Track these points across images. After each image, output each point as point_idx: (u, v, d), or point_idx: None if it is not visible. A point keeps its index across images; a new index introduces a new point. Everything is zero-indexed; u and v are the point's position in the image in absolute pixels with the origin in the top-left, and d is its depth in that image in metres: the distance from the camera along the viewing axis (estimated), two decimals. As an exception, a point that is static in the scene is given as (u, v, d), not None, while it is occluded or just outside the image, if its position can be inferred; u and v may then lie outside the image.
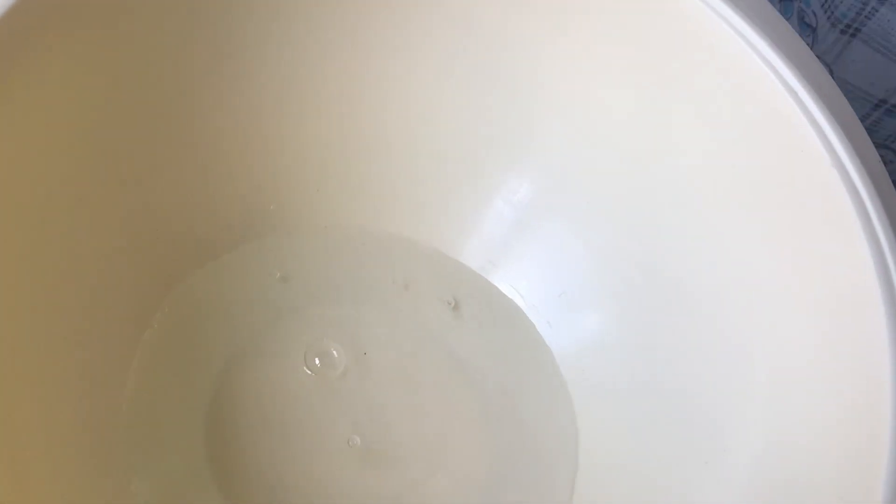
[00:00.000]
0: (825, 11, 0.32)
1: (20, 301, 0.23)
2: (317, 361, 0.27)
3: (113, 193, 0.25)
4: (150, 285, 0.26)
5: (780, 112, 0.22)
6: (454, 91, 0.27)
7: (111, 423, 0.25)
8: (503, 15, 0.26)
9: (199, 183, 0.27)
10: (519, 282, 0.29)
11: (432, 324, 0.29)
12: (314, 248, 0.29)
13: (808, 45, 0.24)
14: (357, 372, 0.27)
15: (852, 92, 0.33)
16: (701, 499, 0.24)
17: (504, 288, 0.29)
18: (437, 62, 0.27)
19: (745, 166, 0.24)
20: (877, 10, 0.31)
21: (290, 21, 0.25)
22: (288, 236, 0.29)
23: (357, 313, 0.28)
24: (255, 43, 0.25)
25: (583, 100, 0.26)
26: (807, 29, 0.34)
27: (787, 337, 0.23)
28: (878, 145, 0.24)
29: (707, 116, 0.24)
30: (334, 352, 0.27)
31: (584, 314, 0.28)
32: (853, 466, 0.20)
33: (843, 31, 0.32)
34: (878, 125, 0.34)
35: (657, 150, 0.25)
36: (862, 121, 0.24)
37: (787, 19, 0.25)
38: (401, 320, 0.29)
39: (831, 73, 0.33)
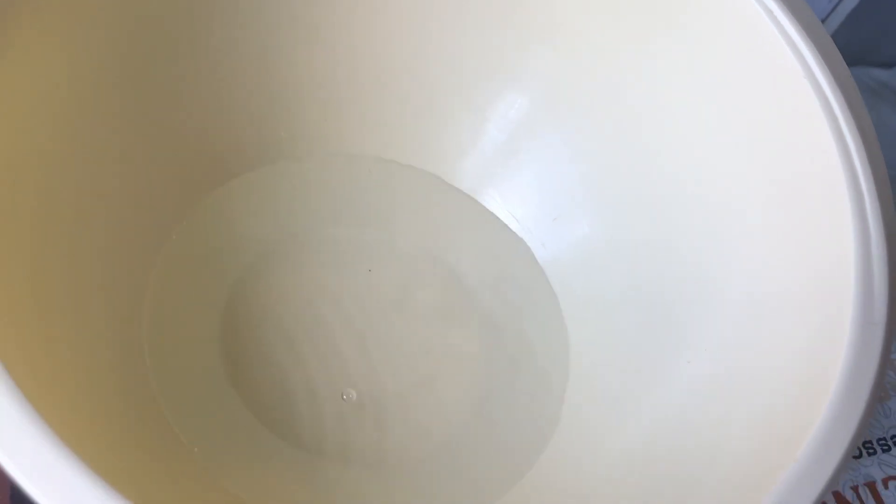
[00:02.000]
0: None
1: (51, 213, 0.25)
2: (323, 276, 0.29)
3: (136, 115, 0.27)
4: (169, 201, 0.28)
5: (756, 28, 0.24)
6: (456, 23, 0.29)
7: (133, 324, 0.26)
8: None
9: (216, 108, 0.29)
10: (515, 208, 0.31)
11: (433, 245, 0.30)
12: (321, 173, 0.31)
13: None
14: (363, 285, 0.29)
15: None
16: (683, 395, 0.25)
17: (501, 214, 0.31)
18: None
19: (723, 82, 0.26)
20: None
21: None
22: (298, 162, 0.30)
23: (361, 234, 0.30)
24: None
25: (573, 30, 0.28)
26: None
27: (762, 244, 0.25)
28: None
29: (688, 39, 0.26)
30: (340, 268, 0.29)
31: (575, 236, 0.30)
32: (810, 356, 0.22)
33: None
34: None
35: (641, 73, 0.27)
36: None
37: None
38: (403, 241, 0.30)
39: None
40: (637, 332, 0.27)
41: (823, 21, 0.71)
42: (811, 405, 0.20)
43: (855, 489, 0.31)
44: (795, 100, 0.24)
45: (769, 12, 0.24)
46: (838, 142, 0.23)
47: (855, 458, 0.31)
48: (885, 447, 0.32)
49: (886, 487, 0.31)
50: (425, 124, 0.31)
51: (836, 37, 0.74)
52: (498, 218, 0.31)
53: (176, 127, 0.28)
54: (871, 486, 0.31)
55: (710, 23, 0.25)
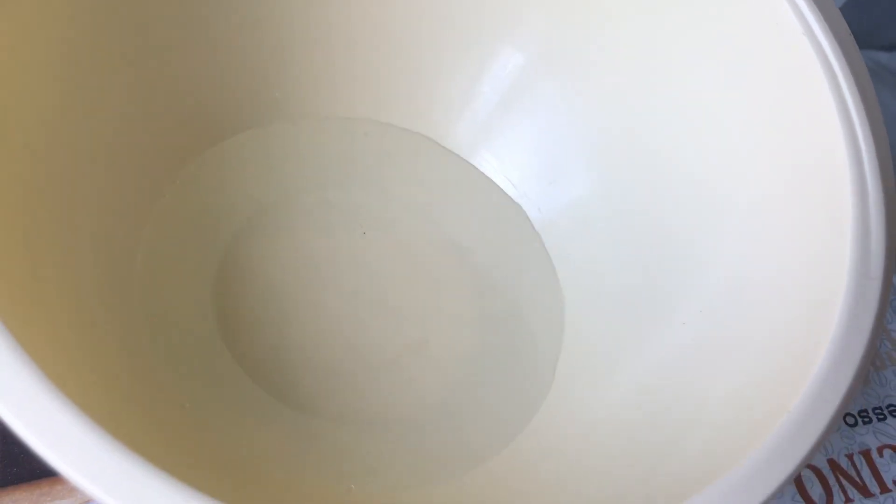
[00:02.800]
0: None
1: (44, 168, 0.25)
2: (318, 237, 0.29)
3: (130, 74, 0.27)
4: (163, 160, 0.28)
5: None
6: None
7: (126, 280, 0.26)
8: None
9: (210, 67, 0.28)
10: (511, 171, 0.31)
11: (428, 208, 0.30)
12: (316, 135, 0.30)
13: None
14: (357, 247, 0.29)
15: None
16: (675, 355, 0.25)
17: (497, 178, 0.31)
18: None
19: (723, 38, 0.25)
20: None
21: None
22: (292, 123, 0.30)
23: (355, 197, 0.30)
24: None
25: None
26: None
27: (760, 203, 0.25)
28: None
29: (693, 6, 0.26)
30: (334, 230, 0.29)
31: (571, 201, 0.30)
32: (805, 319, 0.22)
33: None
34: None
35: (642, 32, 0.27)
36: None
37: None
38: (397, 205, 0.30)
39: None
40: (631, 296, 0.27)
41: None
42: (806, 359, 0.20)
43: (850, 457, 0.30)
44: (794, 61, 0.23)
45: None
46: (838, 102, 0.22)
47: (850, 426, 0.31)
48: (881, 416, 0.32)
49: (881, 455, 0.31)
50: (420, 85, 0.30)
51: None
52: (493, 182, 0.31)
53: (170, 85, 0.28)
54: (866, 453, 0.31)
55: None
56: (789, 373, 0.21)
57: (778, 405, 0.19)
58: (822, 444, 0.19)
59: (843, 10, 0.62)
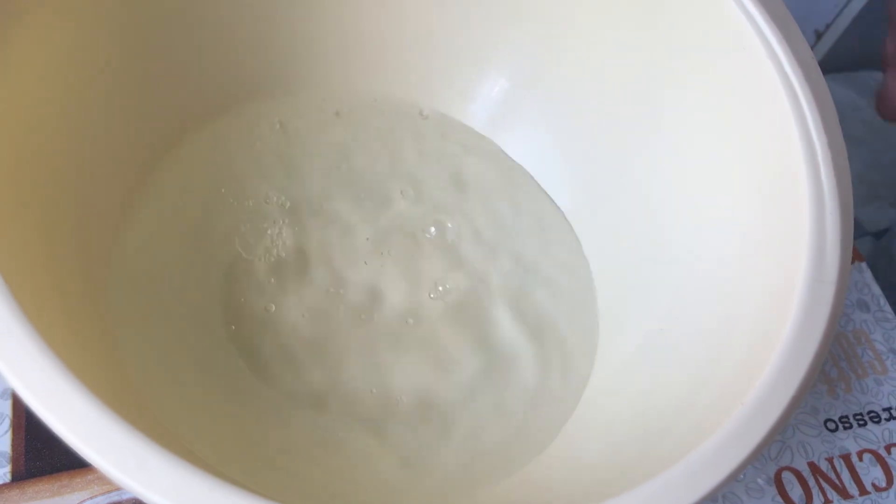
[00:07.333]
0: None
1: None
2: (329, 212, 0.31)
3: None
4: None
5: (723, 13, 0.26)
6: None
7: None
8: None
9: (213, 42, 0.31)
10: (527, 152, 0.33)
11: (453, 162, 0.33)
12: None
13: None
14: (373, 229, 0.31)
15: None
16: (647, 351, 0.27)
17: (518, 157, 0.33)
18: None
19: (698, 64, 0.27)
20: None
21: None
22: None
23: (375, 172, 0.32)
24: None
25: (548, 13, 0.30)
26: None
27: (730, 214, 0.26)
28: None
29: (672, 38, 0.28)
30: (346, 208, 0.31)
31: (586, 179, 0.32)
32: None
33: None
34: None
35: (623, 63, 0.29)
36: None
37: None
38: (420, 176, 0.32)
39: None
40: (644, 260, 0.30)
41: (829, 24, 0.72)
42: (761, 358, 0.22)
43: (830, 460, 0.32)
44: (759, 83, 0.25)
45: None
46: (798, 121, 0.24)
47: (831, 431, 0.32)
48: (861, 422, 0.33)
49: (861, 459, 0.32)
50: (439, 71, 0.33)
51: (844, 39, 0.75)
52: (513, 160, 0.33)
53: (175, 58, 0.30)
54: (846, 457, 0.32)
55: (693, 20, 0.26)
56: (747, 367, 0.22)
57: (735, 396, 0.21)
58: (776, 432, 0.21)
59: (848, 29, 0.64)
